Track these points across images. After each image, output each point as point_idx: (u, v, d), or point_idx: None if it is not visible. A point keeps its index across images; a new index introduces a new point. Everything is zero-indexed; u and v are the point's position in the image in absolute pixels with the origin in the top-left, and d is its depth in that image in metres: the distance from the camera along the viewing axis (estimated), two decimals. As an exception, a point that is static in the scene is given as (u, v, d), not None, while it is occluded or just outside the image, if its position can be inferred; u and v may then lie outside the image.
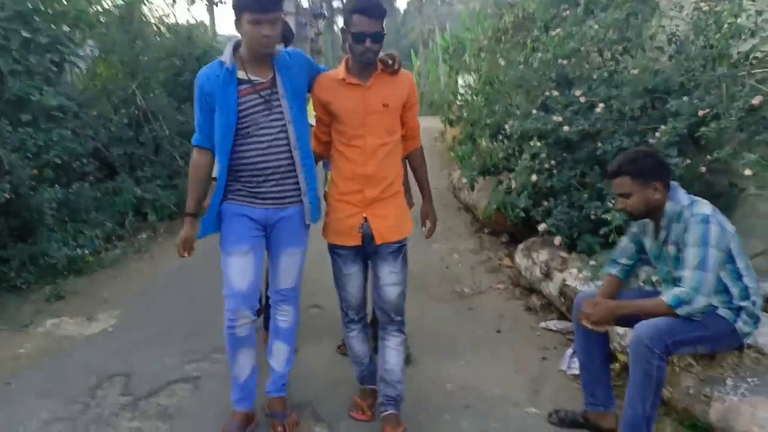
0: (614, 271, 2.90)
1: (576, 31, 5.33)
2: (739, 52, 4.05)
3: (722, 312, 2.54)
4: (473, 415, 3.07)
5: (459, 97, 7.74)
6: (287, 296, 2.93)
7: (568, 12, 5.77)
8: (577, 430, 2.89)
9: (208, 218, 2.73)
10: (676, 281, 2.55)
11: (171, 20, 9.66)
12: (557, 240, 4.33)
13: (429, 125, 9.80)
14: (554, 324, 4.05)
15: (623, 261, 2.88)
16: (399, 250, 2.78)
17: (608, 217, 3.83)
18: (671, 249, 2.59)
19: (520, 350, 3.80)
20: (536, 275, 4.43)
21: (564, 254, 4.33)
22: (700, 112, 3.82)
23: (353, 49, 2.56)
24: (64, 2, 6.49)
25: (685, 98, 3.95)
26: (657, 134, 3.93)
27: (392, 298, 2.78)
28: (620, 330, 3.18)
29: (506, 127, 5.20)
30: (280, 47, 2.69)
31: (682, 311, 2.43)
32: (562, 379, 3.41)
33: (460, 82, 9.24)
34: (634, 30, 4.97)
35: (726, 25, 4.10)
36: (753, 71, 3.89)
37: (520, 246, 4.92)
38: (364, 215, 2.70)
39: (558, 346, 3.78)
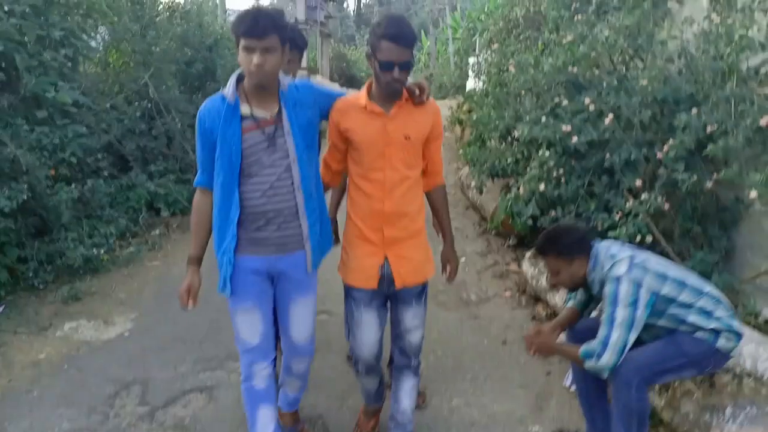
0: (571, 303, 3.02)
1: (587, 33, 5.31)
2: (748, 67, 4.05)
3: (699, 335, 2.56)
4: (478, 432, 3.17)
5: (468, 100, 7.71)
6: (303, 351, 2.79)
7: (580, 16, 5.73)
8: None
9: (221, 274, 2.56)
10: None
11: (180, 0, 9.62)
12: (564, 250, 4.36)
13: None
14: (560, 336, 4.10)
15: (578, 298, 2.99)
16: (421, 292, 2.69)
17: (615, 234, 3.87)
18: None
19: (526, 363, 3.88)
20: (543, 285, 4.49)
21: (571, 265, 4.37)
22: (708, 128, 3.83)
23: (379, 77, 2.41)
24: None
25: (694, 110, 3.96)
26: (665, 148, 3.95)
27: (415, 342, 2.74)
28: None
29: (515, 132, 5.23)
30: (287, 79, 2.50)
31: (588, 364, 2.54)
32: (566, 396, 3.49)
33: (470, 83, 9.13)
34: (644, 35, 4.94)
35: (737, 37, 4.09)
36: (762, 87, 3.89)
37: (527, 254, 4.96)
38: (385, 255, 2.58)
39: (563, 360, 3.83)
